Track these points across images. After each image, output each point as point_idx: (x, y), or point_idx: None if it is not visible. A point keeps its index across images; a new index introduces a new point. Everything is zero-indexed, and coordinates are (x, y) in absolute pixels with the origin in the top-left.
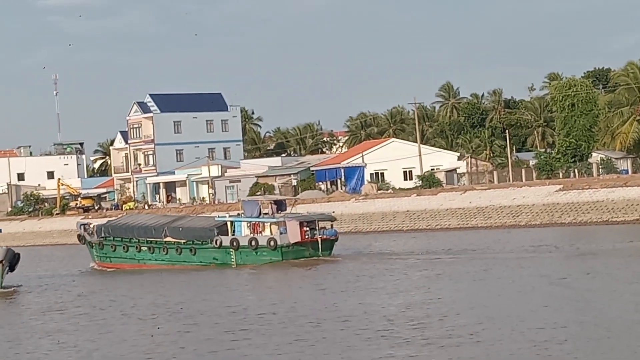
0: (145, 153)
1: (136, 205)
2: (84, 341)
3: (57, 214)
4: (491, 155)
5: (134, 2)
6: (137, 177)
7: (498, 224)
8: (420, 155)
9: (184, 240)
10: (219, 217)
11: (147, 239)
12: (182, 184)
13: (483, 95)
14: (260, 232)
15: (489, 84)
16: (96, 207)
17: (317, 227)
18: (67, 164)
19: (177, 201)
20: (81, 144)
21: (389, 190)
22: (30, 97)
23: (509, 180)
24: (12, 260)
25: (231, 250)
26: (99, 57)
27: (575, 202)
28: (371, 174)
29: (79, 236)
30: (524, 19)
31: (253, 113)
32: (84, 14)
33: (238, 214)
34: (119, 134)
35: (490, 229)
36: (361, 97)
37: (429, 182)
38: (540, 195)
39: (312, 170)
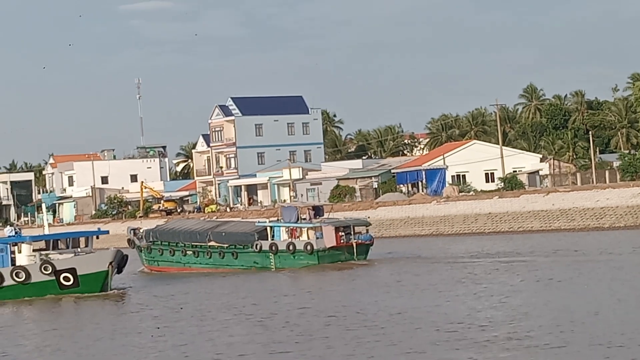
0: (227, 156)
1: (218, 208)
2: (182, 342)
3: (140, 216)
4: (574, 157)
5: (215, 5)
6: (219, 180)
7: (581, 226)
8: (502, 157)
9: (227, 245)
10: (259, 222)
11: (192, 243)
12: (264, 186)
13: (566, 96)
14: (298, 237)
15: (572, 85)
16: (179, 210)
17: (352, 232)
18: (150, 167)
19: (259, 204)
20: (164, 147)
21: (471, 193)
22: (113, 101)
23: (593, 182)
24: (121, 261)
25: (270, 254)
26: (180, 61)
27: None
28: (452, 176)
29: (128, 240)
30: (608, 20)
31: (335, 116)
32: (165, 18)
33: (277, 220)
34: (201, 137)
35: (573, 232)
36: (442, 99)
37: (511, 184)
38: (624, 197)
39: (393, 173)
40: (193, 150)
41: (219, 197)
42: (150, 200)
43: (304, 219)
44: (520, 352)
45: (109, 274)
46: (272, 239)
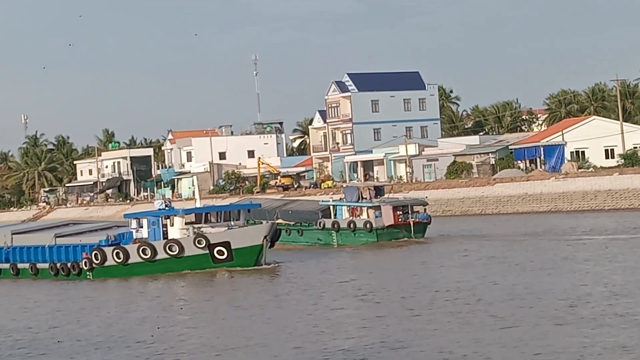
0: (343, 132)
1: (334, 183)
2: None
3: (257, 192)
4: None
5: None
6: (335, 156)
7: None
8: (622, 133)
9: (293, 222)
10: (322, 201)
11: (262, 221)
12: (380, 162)
13: None
14: (359, 216)
15: None
16: (295, 186)
17: (410, 211)
18: (266, 143)
19: (375, 180)
20: (280, 123)
21: (590, 169)
22: (231, 78)
23: None
24: (274, 236)
25: (333, 231)
26: (297, 37)
27: None
28: (571, 153)
29: None
30: None
31: (451, 91)
32: None
33: (340, 199)
34: (317, 113)
35: None
36: (561, 75)
37: (632, 160)
38: None
39: (511, 149)
40: (309, 126)
41: (335, 173)
42: (267, 175)
43: (365, 198)
44: (624, 329)
45: (263, 247)
46: (335, 218)
